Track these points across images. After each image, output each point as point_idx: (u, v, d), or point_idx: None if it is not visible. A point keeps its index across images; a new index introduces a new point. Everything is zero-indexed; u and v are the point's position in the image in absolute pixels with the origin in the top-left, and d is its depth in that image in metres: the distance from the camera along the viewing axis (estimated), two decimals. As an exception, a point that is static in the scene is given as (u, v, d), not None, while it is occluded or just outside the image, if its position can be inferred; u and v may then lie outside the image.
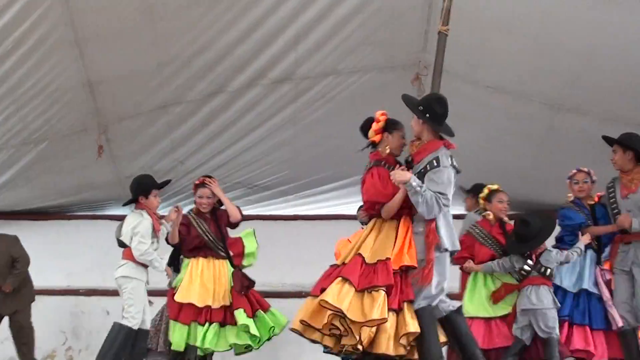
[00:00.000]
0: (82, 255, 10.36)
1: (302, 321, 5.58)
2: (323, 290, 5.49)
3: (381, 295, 5.40)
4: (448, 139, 5.83)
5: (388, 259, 5.54)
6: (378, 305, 5.37)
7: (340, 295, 5.41)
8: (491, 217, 7.49)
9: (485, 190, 7.57)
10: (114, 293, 10.21)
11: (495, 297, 7.10)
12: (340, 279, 5.50)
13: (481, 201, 7.63)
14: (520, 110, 8.76)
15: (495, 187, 7.58)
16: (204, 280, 7.21)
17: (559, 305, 6.87)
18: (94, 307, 10.27)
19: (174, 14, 7.53)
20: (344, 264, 5.69)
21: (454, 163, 5.73)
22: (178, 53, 7.95)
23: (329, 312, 5.40)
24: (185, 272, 7.28)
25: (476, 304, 7.13)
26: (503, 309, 7.09)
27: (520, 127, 8.99)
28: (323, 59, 8.35)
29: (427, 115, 5.75)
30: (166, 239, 7.42)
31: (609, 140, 6.59)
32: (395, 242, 5.66)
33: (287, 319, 7.05)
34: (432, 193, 5.54)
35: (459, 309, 5.83)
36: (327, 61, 8.39)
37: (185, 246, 7.39)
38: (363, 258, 5.61)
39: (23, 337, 8.90)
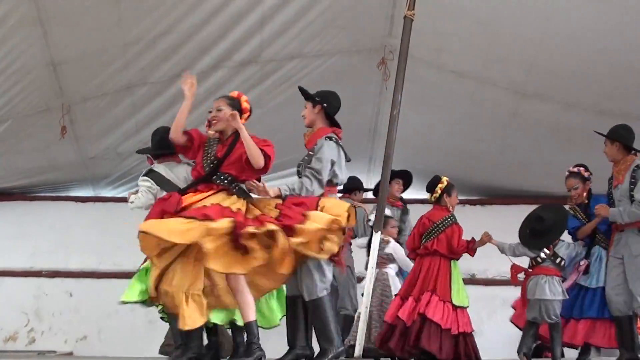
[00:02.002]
0: (45, 237, 10.31)
1: None
2: None
3: None
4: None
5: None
6: None
7: None
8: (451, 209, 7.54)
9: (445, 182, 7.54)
10: (77, 275, 10.27)
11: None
12: None
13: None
14: (485, 96, 8.85)
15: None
16: None
17: (567, 296, 6.98)
18: (56, 288, 10.24)
19: (138, -6, 7.51)
20: None
21: (342, 149, 5.98)
22: (143, 34, 7.90)
23: None
24: None
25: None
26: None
27: (485, 113, 9.08)
28: (289, 42, 8.34)
29: (325, 104, 6.05)
30: None
31: (603, 134, 6.74)
32: None
33: None
34: (302, 178, 5.78)
35: None
36: (292, 44, 8.39)
37: None
38: None
39: None
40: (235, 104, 5.83)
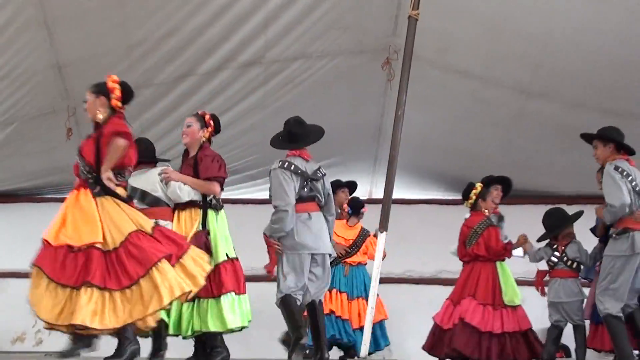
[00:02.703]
0: (52, 238, 10.31)
1: None
2: None
3: None
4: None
5: None
6: None
7: None
8: (487, 213, 7.75)
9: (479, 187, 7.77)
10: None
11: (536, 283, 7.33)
12: None
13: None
14: (490, 96, 8.84)
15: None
16: None
17: (585, 295, 6.99)
18: (63, 289, 10.24)
19: (142, -5, 7.53)
20: None
21: (289, 166, 6.10)
22: (147, 35, 7.91)
23: None
24: None
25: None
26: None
27: (489, 112, 9.07)
28: (293, 43, 8.34)
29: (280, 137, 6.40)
30: None
31: (587, 137, 6.50)
32: None
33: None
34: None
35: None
36: (296, 45, 8.39)
37: None
38: None
39: None
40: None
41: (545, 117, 8.87)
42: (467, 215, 7.80)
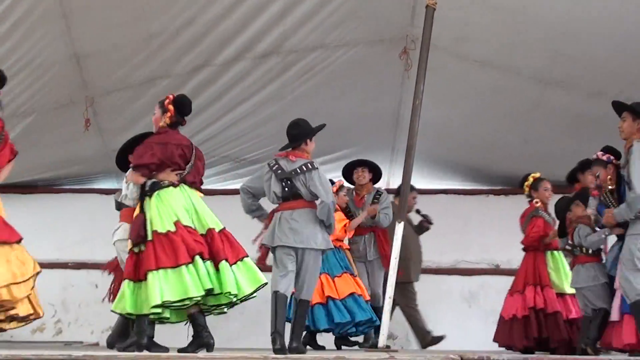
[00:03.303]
0: (71, 229, 10.38)
1: None
2: None
3: None
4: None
5: None
6: None
7: None
8: (539, 204, 7.87)
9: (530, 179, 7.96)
10: (103, 266, 10.33)
11: None
12: None
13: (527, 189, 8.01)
14: (508, 85, 8.79)
15: (538, 175, 8.00)
16: None
17: (602, 280, 6.81)
18: (82, 280, 10.31)
19: (159, -14, 7.53)
20: None
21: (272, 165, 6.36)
22: (164, 26, 7.91)
23: None
24: None
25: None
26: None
27: (508, 102, 9.02)
28: (310, 33, 8.31)
29: None
30: None
31: (619, 106, 6.19)
32: None
33: None
34: None
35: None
36: (313, 35, 8.36)
37: None
38: None
39: None
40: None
41: (564, 106, 8.82)
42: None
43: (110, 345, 6.51)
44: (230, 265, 5.90)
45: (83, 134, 8.89)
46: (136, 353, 5.59)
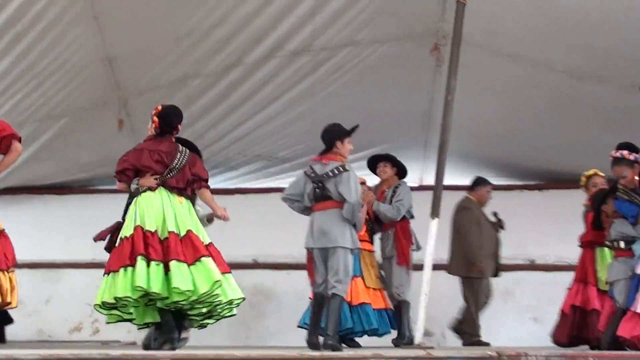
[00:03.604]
0: (106, 229, 10.45)
1: None
2: None
3: None
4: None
5: None
6: None
7: None
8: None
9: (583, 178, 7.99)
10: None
11: None
12: None
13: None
14: (541, 79, 8.70)
15: (590, 173, 7.98)
16: None
17: (630, 273, 6.63)
18: (118, 279, 10.38)
19: (190, -14, 7.57)
20: None
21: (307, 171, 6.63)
22: (195, 26, 7.96)
23: None
24: None
25: None
26: None
27: (541, 96, 8.94)
28: (340, 30, 8.31)
29: None
30: None
31: None
32: None
33: None
34: None
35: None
36: (344, 32, 8.35)
37: None
38: None
39: None
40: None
41: (598, 100, 8.71)
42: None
43: (146, 347, 6.55)
44: (189, 266, 5.94)
45: (117, 135, 8.96)
46: (173, 352, 5.62)
